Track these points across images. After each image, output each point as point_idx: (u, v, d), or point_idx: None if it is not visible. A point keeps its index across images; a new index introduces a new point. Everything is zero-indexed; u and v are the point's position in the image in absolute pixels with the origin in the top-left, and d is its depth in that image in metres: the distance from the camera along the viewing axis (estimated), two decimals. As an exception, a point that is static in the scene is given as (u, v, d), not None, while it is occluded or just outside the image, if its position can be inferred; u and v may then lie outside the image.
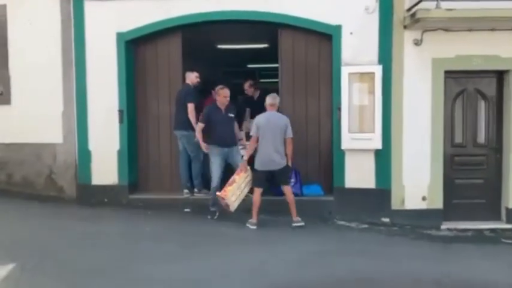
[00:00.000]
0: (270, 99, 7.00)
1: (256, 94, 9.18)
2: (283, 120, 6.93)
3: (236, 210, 7.00)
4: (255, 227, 6.82)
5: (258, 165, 6.90)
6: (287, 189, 6.95)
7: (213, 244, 6.10)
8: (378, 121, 7.41)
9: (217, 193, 6.94)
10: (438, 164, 7.55)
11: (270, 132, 6.79)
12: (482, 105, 7.79)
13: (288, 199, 6.92)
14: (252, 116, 7.91)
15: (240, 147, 7.57)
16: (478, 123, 7.79)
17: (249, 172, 7.09)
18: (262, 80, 15.62)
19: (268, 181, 7.03)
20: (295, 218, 6.91)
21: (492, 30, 7.41)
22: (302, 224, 6.86)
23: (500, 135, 7.73)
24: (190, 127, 7.57)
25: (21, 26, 8.22)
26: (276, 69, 14.11)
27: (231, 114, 7.37)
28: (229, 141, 7.26)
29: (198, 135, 7.28)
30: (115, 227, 6.80)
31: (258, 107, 7.63)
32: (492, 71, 7.66)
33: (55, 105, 8.12)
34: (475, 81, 7.75)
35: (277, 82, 15.76)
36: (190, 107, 7.56)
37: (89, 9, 7.96)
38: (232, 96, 7.68)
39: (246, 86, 9.38)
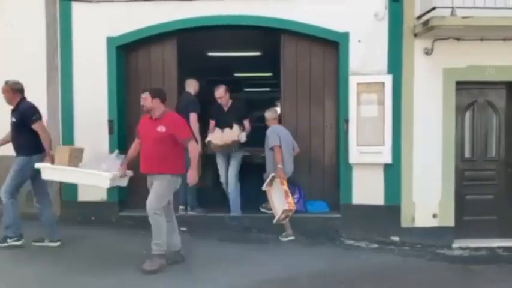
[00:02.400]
0: (273, 114, 7.19)
1: (229, 104, 7.43)
2: (288, 132, 7.17)
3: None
4: (293, 238, 6.80)
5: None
6: None
7: (224, 269, 5.53)
8: (388, 134, 7.03)
9: (286, 208, 6.47)
10: (449, 179, 7.20)
11: (286, 142, 6.94)
12: (493, 117, 7.49)
13: None
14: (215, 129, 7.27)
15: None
16: (489, 136, 7.48)
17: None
18: (247, 90, 15.28)
19: None
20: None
21: (504, 40, 7.12)
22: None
23: (511, 149, 7.42)
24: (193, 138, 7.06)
25: (1, 28, 7.57)
26: (264, 78, 14.17)
27: (14, 118, 5.93)
28: (14, 149, 6.05)
29: None
30: (106, 250, 6.14)
31: (227, 120, 7.11)
32: (503, 82, 7.36)
33: (38, 114, 7.48)
34: (486, 93, 7.45)
35: (262, 92, 15.63)
36: (193, 117, 7.08)
37: (76, 11, 7.39)
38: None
39: (221, 92, 7.29)
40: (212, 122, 7.38)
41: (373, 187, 7.16)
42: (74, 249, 6.06)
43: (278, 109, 7.74)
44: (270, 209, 6.87)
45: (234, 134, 7.02)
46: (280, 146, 6.75)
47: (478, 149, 7.46)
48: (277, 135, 6.83)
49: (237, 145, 7.12)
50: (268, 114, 7.15)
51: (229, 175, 7.32)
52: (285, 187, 6.55)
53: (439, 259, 6.44)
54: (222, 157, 7.40)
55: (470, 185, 7.41)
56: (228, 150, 7.21)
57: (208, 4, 7.20)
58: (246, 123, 7.31)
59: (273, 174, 6.74)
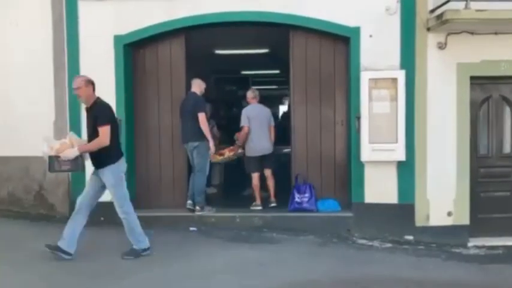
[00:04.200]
0: (252, 93, 7.79)
1: (91, 102, 5.54)
2: (268, 110, 7.76)
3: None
4: (260, 207, 7.42)
5: (251, 152, 7.52)
6: (270, 172, 7.60)
7: (233, 271, 5.41)
8: (401, 130, 6.86)
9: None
10: (464, 177, 7.03)
11: (259, 121, 7.46)
12: (507, 113, 7.31)
13: (269, 182, 7.60)
14: None
15: None
16: (504, 132, 7.30)
17: (238, 151, 7.71)
18: (255, 87, 15.12)
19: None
20: (272, 198, 7.55)
21: (519, 33, 6.96)
22: (275, 204, 7.50)
23: (526, 144, 7.27)
24: (202, 137, 7.04)
25: (7, 28, 7.52)
26: (272, 75, 14.06)
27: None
28: None
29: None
30: (116, 251, 6.01)
31: (88, 124, 5.53)
32: (517, 76, 7.19)
33: (45, 114, 7.42)
34: (501, 88, 7.27)
35: (271, 89, 15.52)
36: (202, 117, 7.02)
37: (83, 9, 7.29)
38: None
39: (76, 82, 5.55)
40: None
41: (386, 185, 7.00)
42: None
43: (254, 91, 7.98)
44: (259, 205, 7.47)
45: (56, 147, 5.42)
46: (248, 127, 7.42)
47: (493, 146, 7.28)
48: (246, 116, 7.45)
49: (68, 163, 5.40)
50: (248, 94, 7.82)
51: None
52: (226, 151, 7.72)
53: (455, 259, 6.28)
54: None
55: (485, 182, 7.24)
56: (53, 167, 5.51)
57: (216, 1, 7.08)
58: (102, 130, 5.31)
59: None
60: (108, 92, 7.23)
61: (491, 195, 7.25)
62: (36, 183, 7.58)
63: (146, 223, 7.12)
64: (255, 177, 7.54)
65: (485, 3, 6.34)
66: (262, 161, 7.55)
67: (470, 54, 6.94)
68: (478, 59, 6.95)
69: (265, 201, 7.59)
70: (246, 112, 7.54)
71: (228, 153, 7.73)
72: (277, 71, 13.17)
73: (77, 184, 7.36)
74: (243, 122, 7.49)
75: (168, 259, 5.74)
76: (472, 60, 6.95)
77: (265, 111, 7.66)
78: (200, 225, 7.13)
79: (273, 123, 7.67)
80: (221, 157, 7.72)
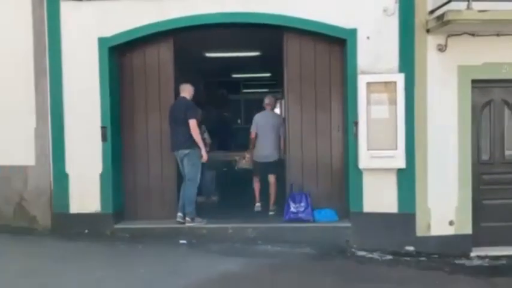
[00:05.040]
0: (267, 100, 7.91)
1: None
2: (278, 118, 8.03)
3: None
4: (259, 204, 7.69)
5: (255, 157, 7.76)
6: (273, 179, 7.68)
7: None
8: (401, 136, 6.58)
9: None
10: (466, 184, 6.76)
11: (266, 129, 7.62)
12: (510, 117, 7.04)
13: (271, 188, 7.66)
14: None
15: None
16: (507, 137, 7.03)
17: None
18: (245, 91, 14.90)
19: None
20: (272, 206, 7.60)
21: (521, 34, 6.70)
22: (273, 213, 7.51)
23: (529, 150, 7.01)
24: (193, 144, 6.75)
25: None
26: (263, 79, 13.77)
27: None
28: None
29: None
30: (102, 269, 5.61)
31: None
32: (519, 79, 6.93)
33: (26, 121, 7.05)
34: (502, 91, 7.00)
35: (262, 93, 15.24)
36: (193, 123, 6.73)
37: (65, 10, 6.93)
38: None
39: None
40: None
41: (386, 194, 6.71)
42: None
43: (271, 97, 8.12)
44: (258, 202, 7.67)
45: None
46: (256, 133, 7.64)
47: (495, 151, 7.01)
48: (255, 123, 7.69)
49: None
50: (264, 100, 7.94)
51: None
52: (247, 155, 7.99)
53: (459, 272, 5.97)
54: None
55: (487, 189, 6.96)
56: None
57: (206, 1, 6.76)
58: None
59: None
60: (92, 97, 6.94)
61: (494, 203, 6.97)
62: (17, 194, 7.19)
63: (133, 236, 6.84)
64: (255, 180, 7.80)
65: (487, 3, 6.10)
66: (267, 167, 7.68)
67: (472, 57, 6.69)
68: (479, 61, 6.70)
69: (264, 207, 7.63)
70: (255, 118, 7.77)
71: (247, 155, 8.06)
72: (269, 74, 12.88)
73: (59, 195, 7.02)
74: (252, 127, 7.75)
75: (154, 276, 5.36)
76: (474, 62, 6.70)
77: (275, 119, 7.83)
78: (191, 237, 6.78)
79: (282, 133, 7.53)
80: (245, 159, 8.09)
